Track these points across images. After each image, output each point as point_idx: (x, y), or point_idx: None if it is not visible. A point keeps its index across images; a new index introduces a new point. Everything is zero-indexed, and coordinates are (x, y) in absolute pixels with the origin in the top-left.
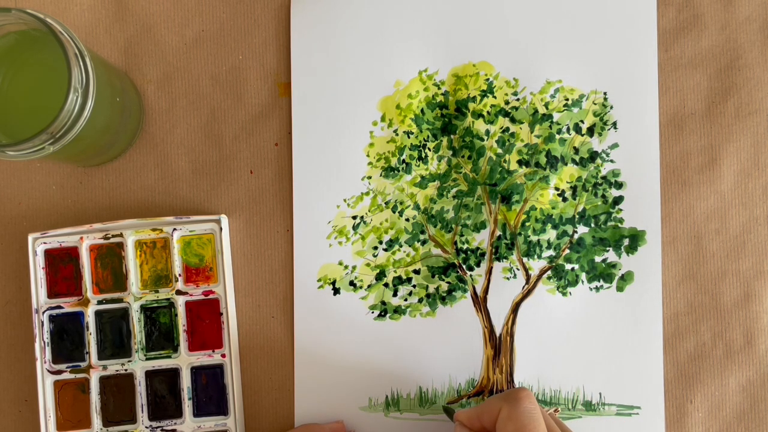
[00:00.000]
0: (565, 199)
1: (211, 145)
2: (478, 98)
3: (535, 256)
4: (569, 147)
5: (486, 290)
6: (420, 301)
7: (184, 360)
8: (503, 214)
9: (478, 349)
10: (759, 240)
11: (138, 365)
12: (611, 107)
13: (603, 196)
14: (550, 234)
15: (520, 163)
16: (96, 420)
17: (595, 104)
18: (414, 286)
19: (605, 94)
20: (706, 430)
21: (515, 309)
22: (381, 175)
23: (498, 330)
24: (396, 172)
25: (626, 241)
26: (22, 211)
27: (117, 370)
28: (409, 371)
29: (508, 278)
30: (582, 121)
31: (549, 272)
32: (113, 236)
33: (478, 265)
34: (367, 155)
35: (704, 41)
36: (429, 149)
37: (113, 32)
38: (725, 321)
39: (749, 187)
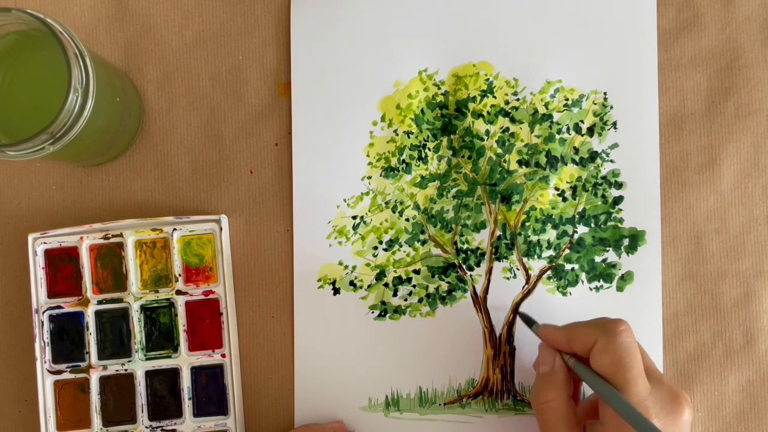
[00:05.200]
0: (565, 199)
1: (211, 145)
2: (478, 98)
3: (535, 256)
4: (569, 147)
5: (486, 290)
6: (420, 301)
7: (184, 360)
8: (503, 214)
9: (478, 349)
10: (759, 240)
11: (138, 365)
12: (611, 107)
13: (603, 196)
14: (550, 234)
15: (520, 163)
16: (96, 420)
17: (595, 104)
18: (414, 286)
19: (605, 94)
20: (705, 430)
21: (515, 309)
22: (381, 175)
23: (498, 330)
24: (396, 172)
25: (626, 241)
26: (22, 211)
27: (117, 370)
28: (409, 371)
29: (508, 278)
30: (582, 121)
31: (549, 272)
32: (113, 236)
33: (478, 265)
34: (367, 155)
35: (704, 41)
36: (429, 149)
37: (113, 32)
38: (725, 321)
39: (749, 187)
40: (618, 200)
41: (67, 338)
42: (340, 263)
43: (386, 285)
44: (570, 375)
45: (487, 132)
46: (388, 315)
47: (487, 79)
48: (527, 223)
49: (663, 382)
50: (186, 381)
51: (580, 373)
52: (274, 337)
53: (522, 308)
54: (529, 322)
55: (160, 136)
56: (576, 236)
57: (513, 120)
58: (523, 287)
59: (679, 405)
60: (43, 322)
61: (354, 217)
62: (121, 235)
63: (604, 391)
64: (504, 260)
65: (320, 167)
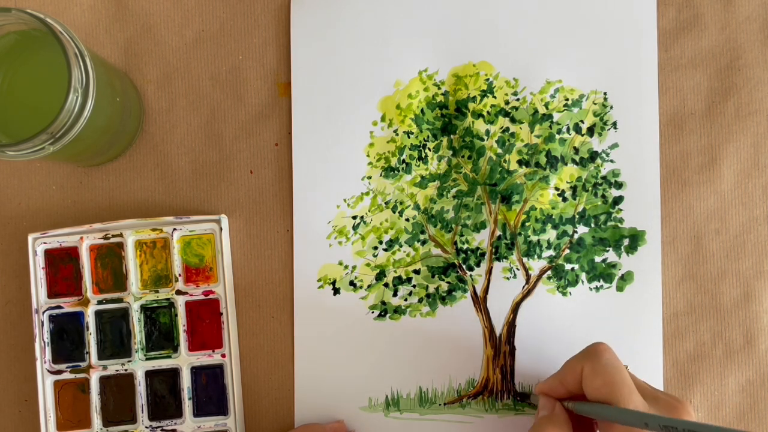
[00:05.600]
0: (565, 199)
1: (211, 145)
2: (478, 98)
3: (535, 256)
4: (569, 147)
5: (486, 290)
6: (420, 301)
7: (184, 360)
8: (503, 214)
9: (478, 349)
10: (759, 240)
11: (138, 365)
12: (611, 107)
13: (603, 196)
14: (550, 234)
15: (520, 163)
16: (96, 420)
17: (595, 104)
18: (414, 286)
19: (605, 94)
20: None
21: (515, 309)
22: (381, 175)
23: (498, 330)
24: (396, 172)
25: (626, 241)
26: (22, 211)
27: (117, 370)
28: (409, 371)
29: (508, 278)
30: (582, 121)
31: (549, 272)
32: (113, 236)
33: (478, 265)
34: (367, 155)
35: (704, 41)
36: (429, 149)
37: (113, 32)
38: (725, 321)
39: (749, 187)
40: (618, 200)
41: (67, 338)
42: (340, 263)
43: (386, 285)
44: (569, 416)
45: (487, 132)
46: (388, 315)
47: (487, 79)
48: (527, 223)
49: (659, 398)
50: (186, 381)
51: (578, 408)
52: (274, 337)
53: (522, 308)
54: (525, 397)
55: (160, 136)
56: (576, 236)
57: (513, 120)
58: (523, 287)
59: (678, 417)
60: (43, 322)
61: (354, 217)
62: (121, 235)
63: (606, 413)
64: (504, 260)
65: (320, 167)
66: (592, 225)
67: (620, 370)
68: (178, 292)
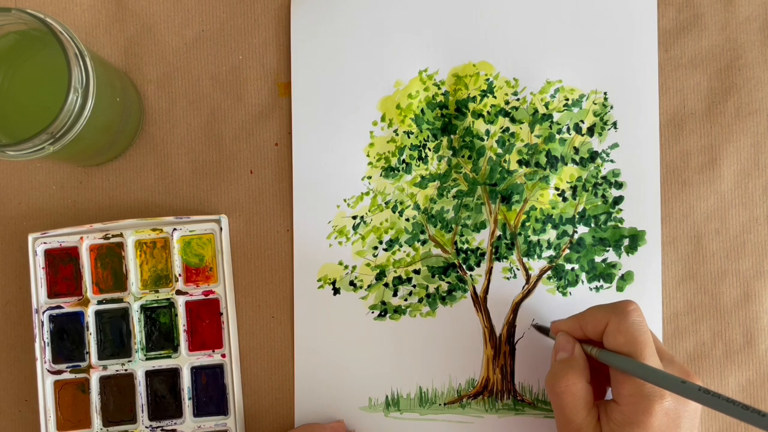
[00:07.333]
0: (565, 199)
1: (211, 145)
2: (478, 98)
3: (535, 256)
4: (569, 147)
5: (486, 290)
6: (420, 301)
7: (184, 360)
8: (503, 214)
9: (478, 349)
10: (759, 240)
11: (138, 365)
12: (611, 107)
13: (603, 196)
14: (550, 234)
15: (520, 163)
16: (96, 420)
17: (595, 104)
18: (414, 286)
19: (605, 94)
20: (706, 430)
21: (515, 309)
22: (381, 175)
23: (498, 330)
24: (396, 172)
25: (626, 241)
26: (22, 211)
27: (117, 370)
28: (409, 371)
29: (508, 278)
30: (582, 121)
31: (549, 272)
32: (113, 236)
33: (478, 265)
34: (367, 155)
35: (704, 41)
36: (429, 149)
37: (113, 32)
38: (725, 321)
39: (749, 187)
40: (618, 200)
41: (67, 338)
42: (340, 263)
43: (386, 285)
44: (587, 361)
45: (487, 132)
46: (388, 315)
47: (487, 79)
48: (527, 223)
49: (674, 362)
50: (186, 381)
51: (603, 357)
52: (274, 337)
53: (522, 308)
54: (544, 330)
55: (160, 136)
56: (576, 236)
57: (513, 120)
58: (523, 287)
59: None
60: (43, 322)
61: (354, 217)
62: (121, 235)
63: (635, 369)
64: (504, 260)
65: (320, 167)
66: (592, 225)
67: (645, 332)
68: (178, 292)
